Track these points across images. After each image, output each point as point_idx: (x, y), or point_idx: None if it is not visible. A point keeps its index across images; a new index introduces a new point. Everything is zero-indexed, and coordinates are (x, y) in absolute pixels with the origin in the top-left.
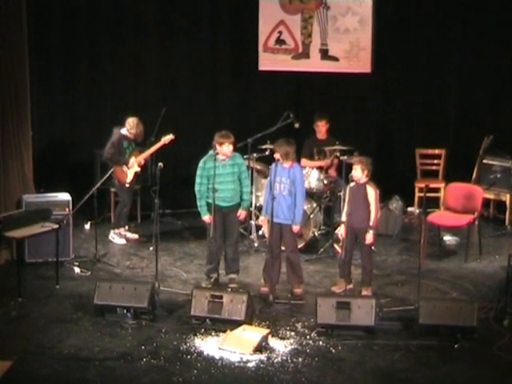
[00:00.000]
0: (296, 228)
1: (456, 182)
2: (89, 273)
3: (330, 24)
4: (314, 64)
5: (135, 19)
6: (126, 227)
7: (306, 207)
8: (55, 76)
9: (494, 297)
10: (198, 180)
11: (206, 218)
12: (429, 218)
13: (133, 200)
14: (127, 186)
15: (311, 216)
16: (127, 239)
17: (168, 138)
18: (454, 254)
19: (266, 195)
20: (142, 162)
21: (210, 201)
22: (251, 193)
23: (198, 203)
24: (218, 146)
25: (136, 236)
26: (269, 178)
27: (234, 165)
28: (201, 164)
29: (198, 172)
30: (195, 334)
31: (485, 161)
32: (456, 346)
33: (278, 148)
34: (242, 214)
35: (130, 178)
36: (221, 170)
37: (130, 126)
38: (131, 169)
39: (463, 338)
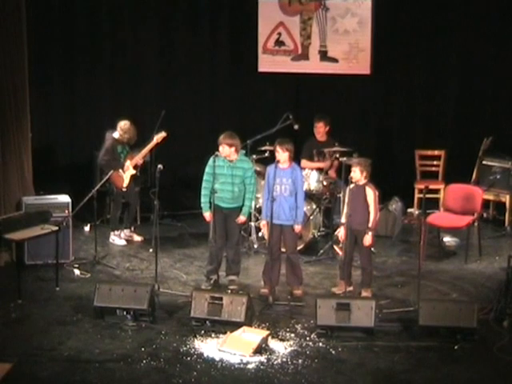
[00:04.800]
0: (298, 228)
1: (455, 183)
2: (88, 275)
3: (329, 25)
4: (314, 65)
5: (134, 20)
6: (133, 228)
7: (305, 208)
8: (54, 78)
9: (494, 298)
10: (204, 176)
11: (207, 215)
12: (428, 219)
13: (135, 201)
14: (124, 190)
15: (311, 217)
16: (133, 241)
17: (160, 136)
18: (454, 255)
19: (264, 198)
20: (139, 163)
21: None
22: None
23: (202, 199)
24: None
25: (140, 238)
26: (266, 181)
27: (239, 168)
28: (209, 161)
29: (206, 169)
30: (195, 336)
31: (484, 162)
32: (456, 347)
33: (281, 146)
34: (239, 219)
35: (126, 182)
36: (225, 170)
37: (122, 131)
38: (127, 172)
39: (463, 339)
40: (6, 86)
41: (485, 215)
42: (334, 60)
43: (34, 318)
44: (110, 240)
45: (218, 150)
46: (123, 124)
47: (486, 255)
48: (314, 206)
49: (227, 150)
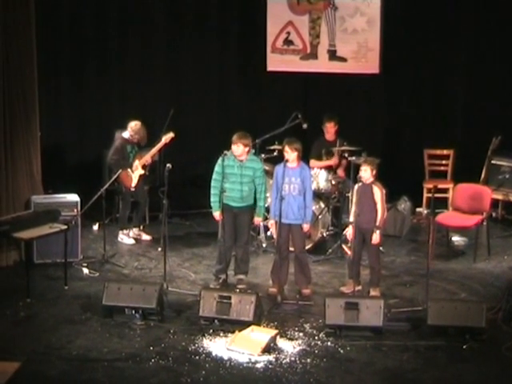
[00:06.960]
0: (306, 227)
1: (464, 183)
2: (97, 274)
3: (338, 25)
4: (322, 65)
5: (143, 20)
6: (142, 227)
7: (314, 208)
8: (63, 77)
9: (503, 297)
10: (214, 176)
11: (216, 214)
12: (437, 218)
13: (145, 200)
14: (132, 189)
15: (319, 217)
16: (141, 240)
17: (168, 136)
18: (463, 254)
19: (273, 198)
20: (148, 162)
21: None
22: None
23: (212, 199)
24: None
25: (149, 237)
26: (274, 180)
27: (249, 168)
28: (219, 161)
29: (215, 168)
30: (203, 335)
31: (493, 161)
32: (464, 346)
33: (290, 145)
34: (255, 220)
35: (135, 181)
36: (235, 170)
37: (133, 132)
38: (136, 172)
39: (472, 338)
40: (16, 85)
41: (493, 215)
42: (343, 59)
43: (42, 316)
44: (119, 239)
45: (227, 149)
46: (134, 125)
47: (495, 255)
48: (323, 206)
49: (241, 150)
